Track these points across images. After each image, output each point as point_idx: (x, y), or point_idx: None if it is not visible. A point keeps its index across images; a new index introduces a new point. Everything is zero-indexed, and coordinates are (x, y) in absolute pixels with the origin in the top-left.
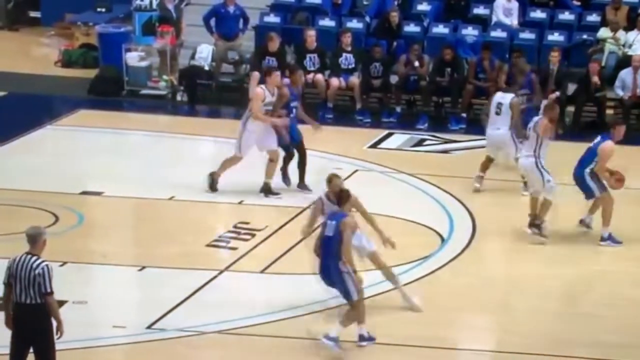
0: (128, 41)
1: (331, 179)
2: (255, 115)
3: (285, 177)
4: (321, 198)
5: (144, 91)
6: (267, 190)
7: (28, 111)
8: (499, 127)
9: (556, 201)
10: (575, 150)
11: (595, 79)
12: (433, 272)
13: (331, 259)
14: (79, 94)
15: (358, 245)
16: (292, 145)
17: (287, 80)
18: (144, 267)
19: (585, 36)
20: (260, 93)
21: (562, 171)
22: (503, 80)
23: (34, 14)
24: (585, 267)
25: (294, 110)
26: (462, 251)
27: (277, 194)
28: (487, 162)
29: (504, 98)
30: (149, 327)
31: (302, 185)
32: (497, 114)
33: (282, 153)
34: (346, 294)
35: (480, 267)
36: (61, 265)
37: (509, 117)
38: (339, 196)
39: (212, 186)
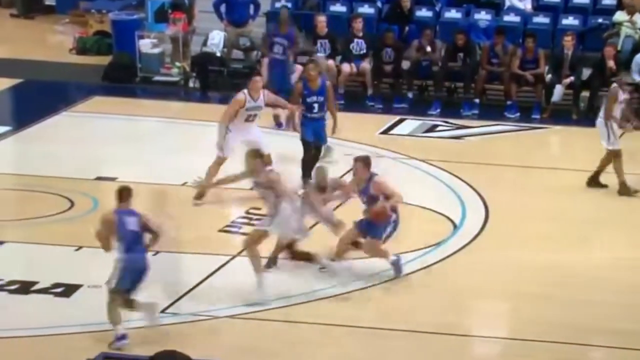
0: (141, 28)
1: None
2: (222, 117)
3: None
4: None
5: (157, 78)
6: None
7: (43, 98)
8: None
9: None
10: (590, 136)
11: (611, 63)
12: (445, 258)
13: None
14: (93, 80)
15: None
16: (315, 144)
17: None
18: (157, 252)
19: (600, 20)
20: (241, 99)
21: (576, 158)
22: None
23: (49, 2)
24: (601, 254)
25: (315, 107)
26: (475, 237)
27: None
28: None
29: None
30: (162, 311)
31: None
32: None
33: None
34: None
35: (493, 253)
36: (76, 250)
37: None
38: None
39: (199, 196)
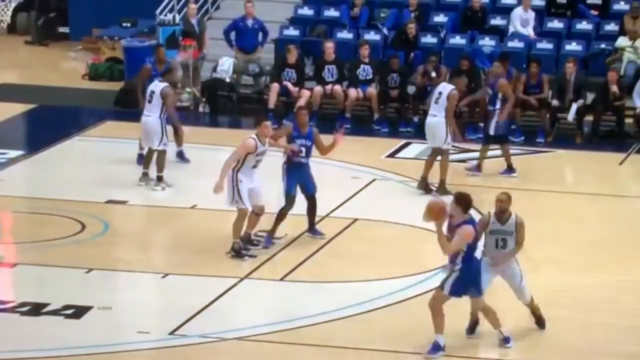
0: (152, 55)
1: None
2: (229, 160)
3: (314, 231)
4: (489, 214)
5: None
6: (248, 240)
7: (57, 122)
8: (149, 115)
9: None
10: (595, 160)
11: (614, 88)
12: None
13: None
14: (105, 105)
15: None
16: (303, 194)
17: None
18: (166, 274)
19: (603, 45)
20: (252, 144)
21: (580, 181)
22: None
23: (62, 29)
24: (605, 277)
25: (302, 150)
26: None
27: (256, 244)
28: (150, 155)
29: (157, 86)
30: (171, 332)
31: (313, 230)
32: (150, 102)
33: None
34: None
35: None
36: (87, 272)
37: (160, 104)
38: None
39: (239, 255)
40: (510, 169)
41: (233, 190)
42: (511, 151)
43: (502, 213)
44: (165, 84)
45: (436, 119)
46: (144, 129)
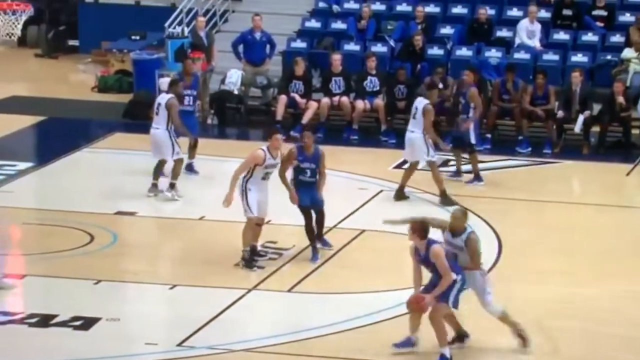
0: (161, 67)
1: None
2: (237, 171)
3: (323, 241)
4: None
5: None
6: (253, 251)
7: (66, 134)
8: (157, 127)
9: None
10: (601, 170)
11: (621, 99)
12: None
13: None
14: (114, 117)
15: None
16: (313, 208)
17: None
18: (175, 286)
19: (609, 57)
20: (261, 156)
21: (587, 192)
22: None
23: (72, 42)
24: (613, 287)
25: (308, 172)
26: (487, 271)
27: (263, 255)
28: (160, 167)
29: (163, 98)
30: (179, 344)
31: (321, 240)
32: (157, 114)
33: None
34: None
35: (505, 287)
36: (95, 283)
37: (165, 116)
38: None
39: (250, 264)
40: (458, 174)
41: (242, 198)
42: (518, 162)
43: (454, 229)
44: (170, 96)
45: (414, 135)
46: (153, 141)
